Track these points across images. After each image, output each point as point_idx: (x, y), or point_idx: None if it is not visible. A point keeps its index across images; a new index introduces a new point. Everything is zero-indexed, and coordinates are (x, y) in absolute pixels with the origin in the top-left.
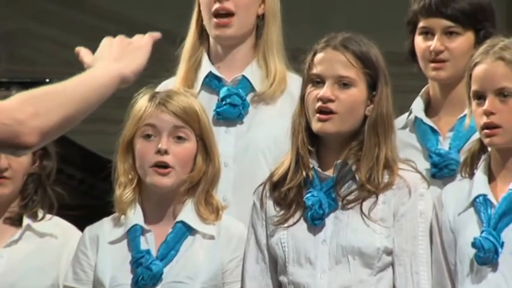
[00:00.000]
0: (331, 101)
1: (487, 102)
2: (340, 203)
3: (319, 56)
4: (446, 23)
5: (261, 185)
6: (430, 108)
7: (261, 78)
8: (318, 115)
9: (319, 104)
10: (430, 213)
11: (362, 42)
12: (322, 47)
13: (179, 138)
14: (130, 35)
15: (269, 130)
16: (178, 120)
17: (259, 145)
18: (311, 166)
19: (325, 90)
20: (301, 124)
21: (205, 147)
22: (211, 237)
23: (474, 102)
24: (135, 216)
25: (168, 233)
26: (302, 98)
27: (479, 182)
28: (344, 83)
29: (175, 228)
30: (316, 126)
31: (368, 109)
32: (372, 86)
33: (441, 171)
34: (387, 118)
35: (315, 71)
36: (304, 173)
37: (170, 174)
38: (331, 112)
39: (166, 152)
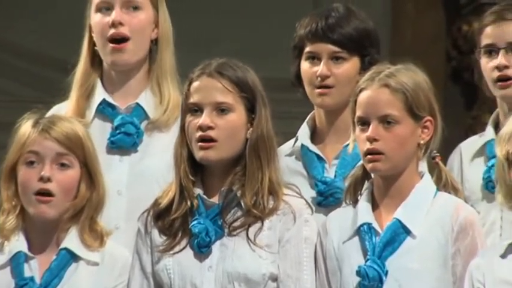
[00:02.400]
0: (210, 128)
1: (370, 128)
2: (226, 230)
3: (195, 84)
4: (333, 48)
5: (145, 211)
6: (316, 135)
7: (155, 105)
8: (199, 143)
9: (200, 132)
10: (314, 239)
11: (237, 66)
12: (198, 75)
13: (62, 165)
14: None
15: (163, 158)
16: (62, 147)
17: (153, 173)
18: (195, 195)
19: (204, 119)
20: (182, 155)
21: (90, 174)
22: (95, 264)
23: (358, 128)
24: (19, 243)
25: (52, 260)
26: (182, 128)
27: (363, 210)
28: (222, 109)
29: (59, 255)
30: (198, 155)
31: (249, 132)
32: (251, 109)
33: (326, 200)
34: (268, 140)
35: (192, 100)
36: (188, 203)
37: (52, 203)
38: (212, 139)
39: (49, 180)
